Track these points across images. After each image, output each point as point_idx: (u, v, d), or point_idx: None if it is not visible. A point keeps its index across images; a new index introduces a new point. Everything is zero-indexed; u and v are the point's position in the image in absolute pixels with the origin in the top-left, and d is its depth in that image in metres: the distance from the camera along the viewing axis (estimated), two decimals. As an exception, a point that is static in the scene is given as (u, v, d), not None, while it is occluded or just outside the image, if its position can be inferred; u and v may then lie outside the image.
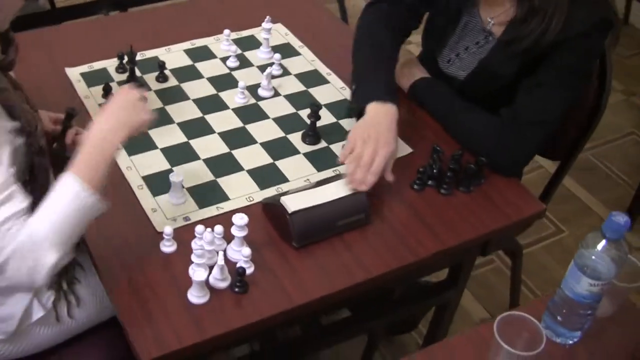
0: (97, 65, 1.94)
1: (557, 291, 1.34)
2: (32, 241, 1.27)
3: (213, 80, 1.94)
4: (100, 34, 2.09)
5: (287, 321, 1.48)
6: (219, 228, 1.45)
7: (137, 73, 1.90)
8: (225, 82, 1.94)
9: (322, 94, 1.93)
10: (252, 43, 2.09)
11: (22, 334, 1.52)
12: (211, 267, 1.41)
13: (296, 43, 2.12)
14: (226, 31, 2.05)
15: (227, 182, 1.64)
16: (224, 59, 2.01)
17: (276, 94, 1.92)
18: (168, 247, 1.48)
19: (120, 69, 1.92)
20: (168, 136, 1.74)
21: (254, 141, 1.76)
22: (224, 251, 1.47)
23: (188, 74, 1.95)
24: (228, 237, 1.48)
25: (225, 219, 1.51)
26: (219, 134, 1.77)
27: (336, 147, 1.76)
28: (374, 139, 1.60)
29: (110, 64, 1.94)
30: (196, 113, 1.83)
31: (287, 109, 1.87)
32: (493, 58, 1.76)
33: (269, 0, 2.29)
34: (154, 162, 1.67)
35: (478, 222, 1.62)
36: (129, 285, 1.41)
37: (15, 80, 1.42)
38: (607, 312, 1.41)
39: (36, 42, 1.97)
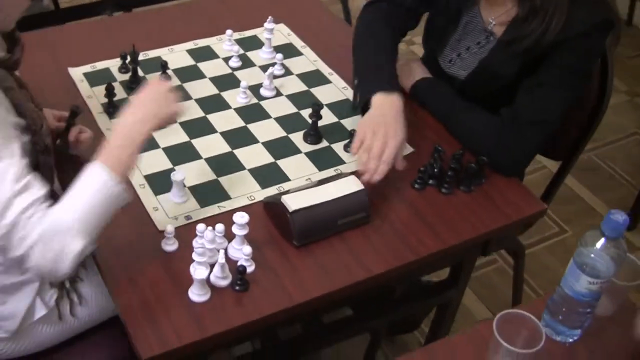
0: (100, 65, 1.95)
1: (557, 289, 1.34)
2: (58, 228, 1.27)
3: (215, 80, 1.95)
4: (103, 34, 2.10)
5: (288, 319, 1.48)
6: (220, 227, 1.46)
7: (140, 73, 1.91)
8: (227, 82, 1.94)
9: (324, 94, 1.94)
10: (254, 43, 2.10)
11: (25, 332, 1.53)
12: (212, 266, 1.42)
13: (298, 43, 2.13)
14: (229, 31, 2.06)
15: (228, 181, 1.65)
16: (227, 59, 2.02)
17: (278, 93, 1.92)
18: (169, 245, 1.49)
19: (123, 68, 1.93)
20: (170, 135, 1.74)
21: (255, 141, 1.77)
22: (225, 250, 1.48)
23: (190, 73, 1.96)
24: (229, 236, 1.48)
25: (226, 218, 1.52)
26: (220, 133, 1.77)
27: (337, 147, 1.77)
28: (383, 130, 1.61)
29: (113, 64, 1.95)
30: (198, 113, 1.83)
31: (289, 108, 1.88)
32: (494, 58, 1.77)
33: (272, 0, 2.30)
34: (156, 161, 1.68)
35: (479, 221, 1.62)
36: (131, 283, 1.42)
37: (20, 79, 1.43)
38: (607, 311, 1.41)
39: (39, 42, 1.98)
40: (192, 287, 1.40)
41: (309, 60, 2.06)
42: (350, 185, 1.56)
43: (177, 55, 2.02)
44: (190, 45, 2.07)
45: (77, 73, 1.91)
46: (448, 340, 1.44)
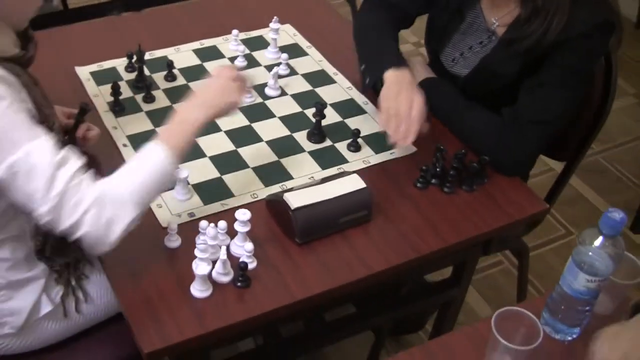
0: (107, 64, 1.97)
1: (555, 287, 1.34)
2: (112, 195, 1.32)
3: (221, 80, 1.96)
4: (109, 33, 2.11)
5: (289, 316, 1.49)
6: (222, 223, 1.47)
7: (146, 72, 1.92)
8: (232, 81, 1.96)
9: (329, 94, 1.95)
10: (260, 43, 2.11)
11: (30, 328, 1.54)
12: (214, 262, 1.43)
13: (304, 43, 2.14)
14: (234, 31, 2.07)
15: (232, 179, 1.66)
16: (232, 59, 2.03)
17: (283, 93, 1.93)
18: (173, 242, 1.50)
19: (129, 68, 1.95)
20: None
21: (259, 139, 1.78)
22: (227, 246, 1.49)
23: (196, 73, 1.97)
24: (231, 233, 1.49)
25: (229, 215, 1.53)
26: (225, 132, 1.79)
27: (341, 146, 1.78)
28: (405, 93, 1.65)
29: (119, 63, 1.97)
30: (203, 112, 1.85)
31: (294, 108, 1.89)
32: (495, 57, 1.77)
33: (278, 1, 2.31)
34: (160, 159, 1.69)
35: (481, 220, 1.63)
36: (134, 278, 1.43)
37: (34, 77, 1.45)
38: (606, 310, 1.41)
39: (47, 41, 1.97)
40: (194, 282, 1.41)
41: (314, 60, 2.07)
42: (352, 184, 1.57)
43: (183, 55, 2.04)
44: (196, 45, 2.09)
45: (83, 72, 1.93)
46: (447, 338, 1.44)
